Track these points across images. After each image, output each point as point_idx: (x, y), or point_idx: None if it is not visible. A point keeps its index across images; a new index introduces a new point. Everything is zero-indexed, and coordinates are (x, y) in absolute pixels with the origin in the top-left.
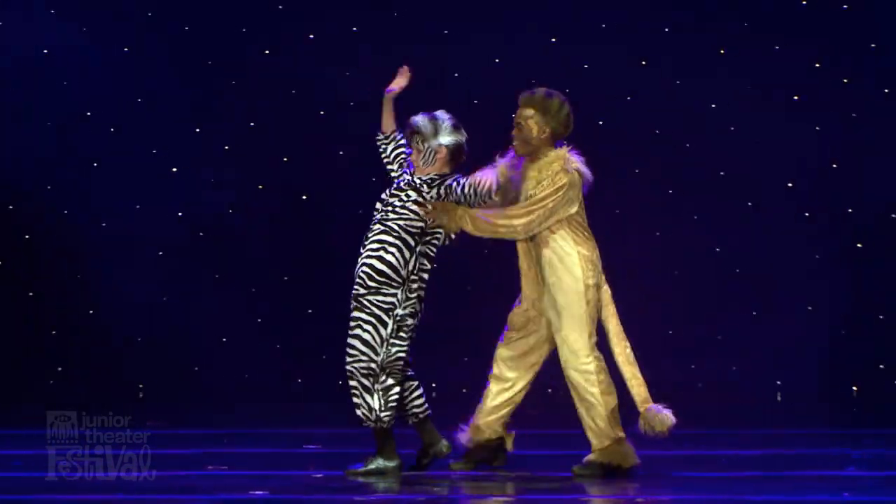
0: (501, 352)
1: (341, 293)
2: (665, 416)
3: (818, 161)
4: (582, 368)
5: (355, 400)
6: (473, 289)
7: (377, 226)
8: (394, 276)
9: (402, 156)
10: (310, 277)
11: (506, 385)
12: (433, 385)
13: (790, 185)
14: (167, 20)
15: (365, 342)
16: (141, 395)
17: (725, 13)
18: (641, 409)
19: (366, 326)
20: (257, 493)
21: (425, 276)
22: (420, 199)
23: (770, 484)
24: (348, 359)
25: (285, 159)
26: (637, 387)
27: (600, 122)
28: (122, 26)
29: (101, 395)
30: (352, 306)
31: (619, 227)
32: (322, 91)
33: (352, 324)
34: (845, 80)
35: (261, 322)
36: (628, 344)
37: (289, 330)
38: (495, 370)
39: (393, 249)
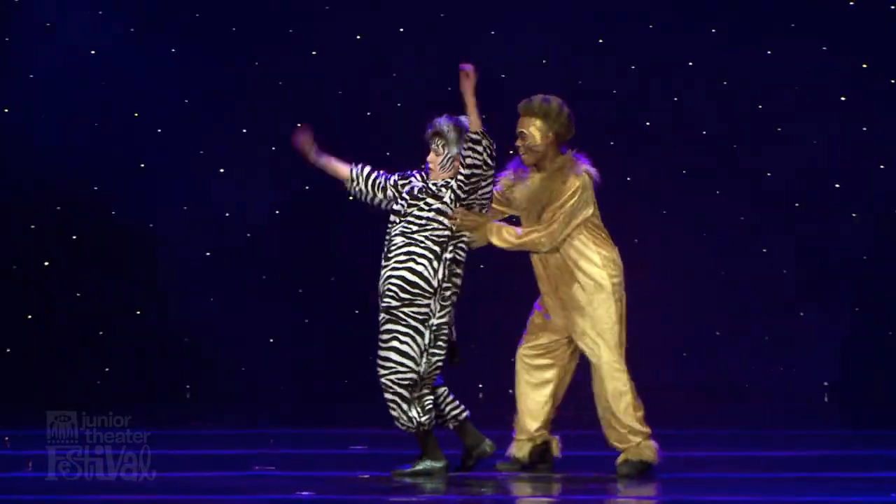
0: (523, 354)
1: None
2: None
3: (866, 162)
4: (612, 365)
5: (393, 412)
6: (519, 289)
7: (399, 238)
8: (425, 286)
9: (379, 180)
10: (356, 278)
11: (536, 386)
12: (480, 386)
13: (837, 185)
14: (214, 21)
15: (403, 353)
16: (188, 396)
17: (772, 14)
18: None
19: (403, 338)
20: (303, 493)
21: (458, 281)
22: (442, 207)
23: (815, 485)
24: (383, 371)
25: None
26: None
27: (647, 124)
28: (169, 27)
29: (148, 395)
30: (382, 318)
31: (666, 227)
32: (369, 93)
33: (385, 336)
34: (893, 81)
35: (307, 323)
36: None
37: (335, 330)
38: (523, 375)
39: (422, 260)
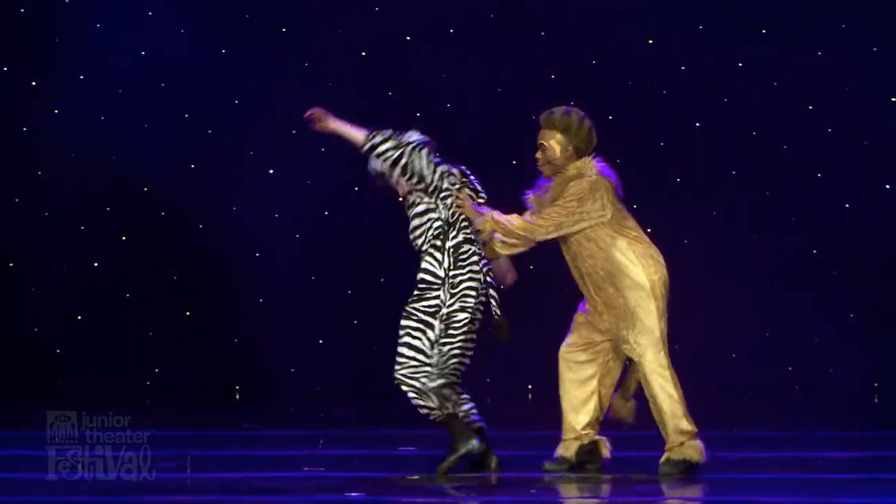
0: (565, 351)
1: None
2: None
3: None
4: (656, 364)
5: (416, 402)
6: (568, 288)
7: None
8: (432, 279)
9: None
10: (406, 279)
11: (579, 383)
12: (529, 386)
13: (888, 186)
14: (265, 21)
15: (412, 347)
16: (237, 397)
17: (822, 14)
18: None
19: (414, 333)
20: (353, 495)
21: (473, 264)
22: (423, 206)
23: (866, 486)
24: (396, 367)
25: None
26: None
27: (697, 124)
28: (220, 27)
29: (200, 396)
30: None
31: (717, 228)
32: (420, 91)
33: (400, 332)
34: None
35: (356, 324)
36: None
37: (383, 331)
38: (566, 372)
39: (428, 258)
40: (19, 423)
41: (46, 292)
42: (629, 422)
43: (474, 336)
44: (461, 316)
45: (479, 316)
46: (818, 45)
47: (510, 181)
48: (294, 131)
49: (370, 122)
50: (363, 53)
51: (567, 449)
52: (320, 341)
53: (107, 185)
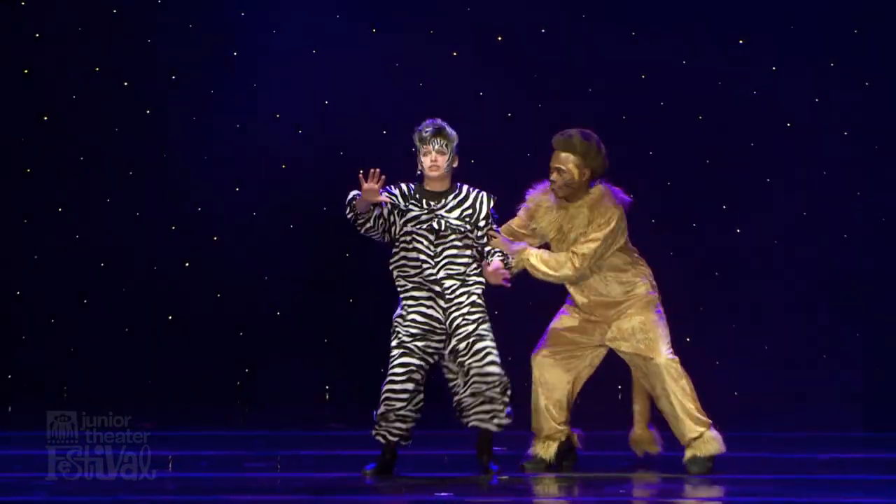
0: (543, 357)
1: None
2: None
3: None
4: (669, 360)
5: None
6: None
7: (448, 281)
8: (485, 307)
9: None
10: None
11: (555, 385)
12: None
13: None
14: (354, 21)
15: (500, 365)
16: (327, 397)
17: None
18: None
19: (495, 351)
20: (442, 494)
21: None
22: (471, 243)
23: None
24: (483, 385)
25: (472, 161)
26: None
27: (788, 125)
28: (314, 29)
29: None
30: (472, 340)
31: (804, 229)
32: (507, 91)
33: (482, 354)
34: None
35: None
36: None
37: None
38: (545, 373)
39: (480, 291)
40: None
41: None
42: (656, 451)
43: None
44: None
45: None
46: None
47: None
48: (385, 131)
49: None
50: (454, 54)
51: (546, 449)
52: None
53: (200, 185)
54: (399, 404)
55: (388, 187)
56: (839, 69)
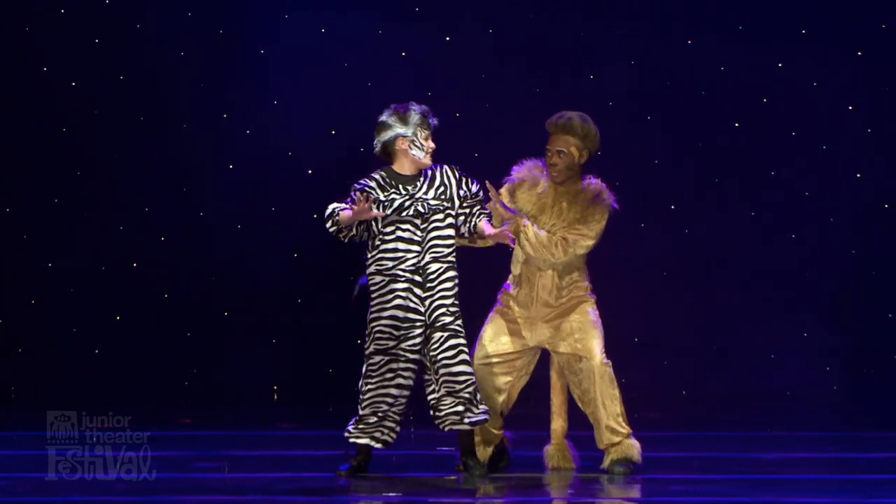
0: (482, 364)
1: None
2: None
3: None
4: (604, 364)
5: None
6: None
7: (434, 264)
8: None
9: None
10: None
11: (498, 389)
12: None
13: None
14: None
15: (470, 364)
16: (275, 397)
17: (862, 15)
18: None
19: (467, 349)
20: (391, 495)
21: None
22: (451, 221)
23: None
24: (455, 385)
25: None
26: None
27: (736, 125)
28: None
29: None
30: (442, 337)
31: (754, 229)
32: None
33: (455, 352)
34: None
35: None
36: None
37: None
38: (490, 381)
39: (456, 278)
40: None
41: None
42: (570, 468)
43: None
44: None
45: None
46: (860, 45)
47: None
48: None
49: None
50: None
51: (482, 452)
52: (358, 342)
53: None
54: (384, 407)
55: (362, 181)
56: (787, 69)
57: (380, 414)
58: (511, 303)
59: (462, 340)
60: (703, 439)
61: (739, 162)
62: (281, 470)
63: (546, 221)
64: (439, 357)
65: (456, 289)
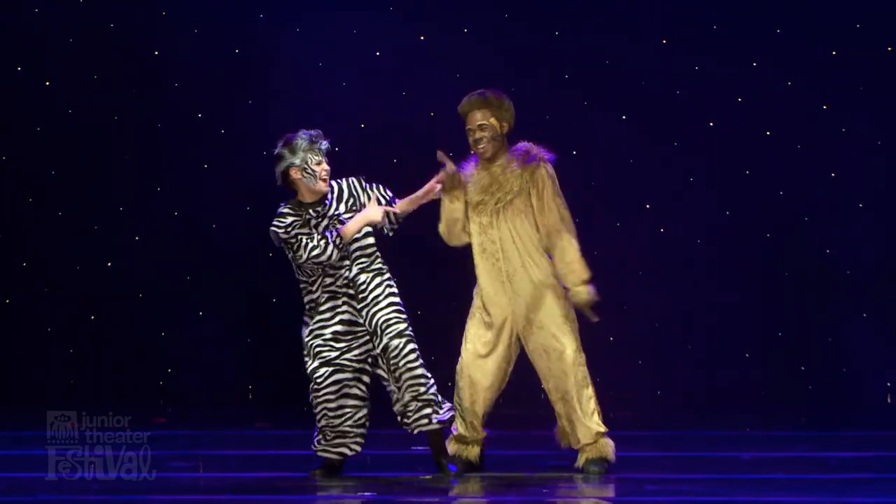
0: (469, 359)
1: (447, 296)
2: None
3: None
4: (578, 360)
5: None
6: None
7: (362, 275)
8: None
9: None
10: (419, 282)
11: (490, 390)
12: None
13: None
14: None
15: (423, 365)
16: (250, 397)
17: (836, 14)
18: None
19: (417, 351)
20: (365, 494)
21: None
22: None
23: (879, 486)
24: (416, 387)
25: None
26: None
27: (710, 124)
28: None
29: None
30: (400, 344)
31: (728, 229)
32: (426, 92)
33: (409, 356)
34: None
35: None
36: None
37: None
38: (483, 382)
39: (392, 283)
40: (19, 423)
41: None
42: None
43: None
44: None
45: None
46: (834, 44)
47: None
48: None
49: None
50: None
51: (471, 450)
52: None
53: (123, 184)
54: (338, 421)
55: (275, 221)
56: (762, 69)
57: (339, 429)
58: (484, 306)
59: (415, 344)
60: (678, 439)
61: (714, 161)
62: (256, 469)
63: (489, 201)
64: (400, 364)
65: (390, 294)
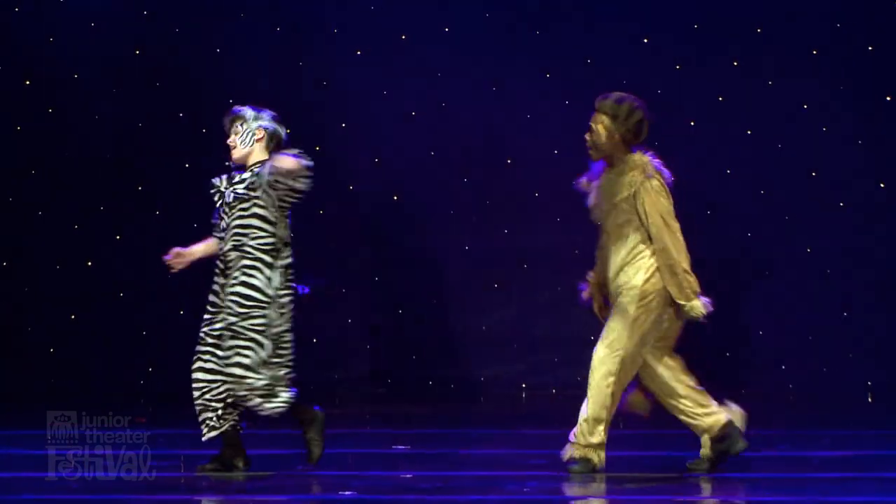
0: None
1: (430, 291)
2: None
3: None
4: (609, 374)
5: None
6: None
7: (232, 252)
8: (260, 297)
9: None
10: (397, 278)
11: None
12: (523, 385)
13: (882, 185)
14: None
15: (246, 367)
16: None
17: (817, 14)
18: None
19: (245, 352)
20: (346, 493)
21: (292, 282)
22: (260, 211)
23: (861, 485)
24: (232, 385)
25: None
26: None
27: (692, 123)
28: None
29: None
30: (226, 335)
31: (709, 226)
32: (413, 89)
33: (229, 353)
34: None
35: (350, 322)
36: None
37: (382, 330)
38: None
39: (253, 272)
40: (19, 423)
41: (46, 292)
42: (646, 413)
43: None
44: (289, 336)
45: None
46: (815, 44)
47: (505, 179)
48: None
49: None
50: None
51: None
52: (314, 340)
53: (106, 182)
54: (197, 393)
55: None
56: (742, 68)
57: (197, 403)
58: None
59: (240, 342)
60: (660, 437)
61: (695, 160)
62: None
63: (608, 208)
64: (221, 355)
65: (242, 283)
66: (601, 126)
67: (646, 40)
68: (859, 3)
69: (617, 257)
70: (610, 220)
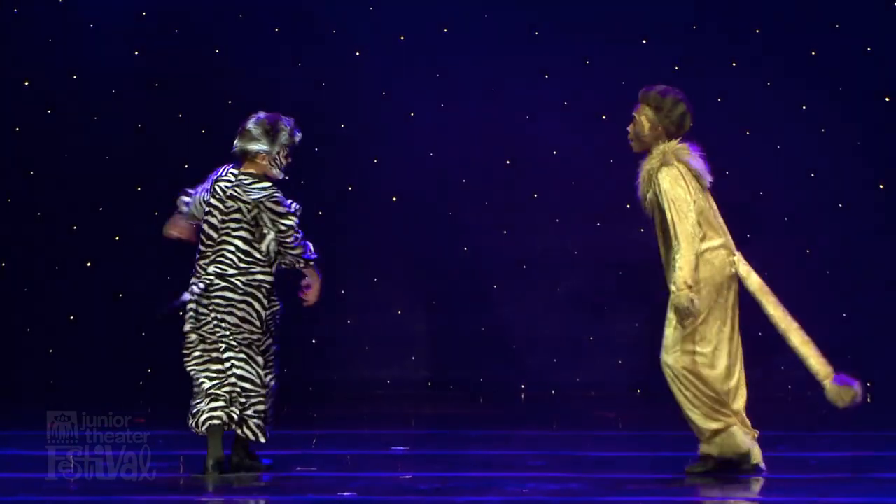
0: None
1: (430, 291)
2: (847, 389)
3: None
4: (667, 362)
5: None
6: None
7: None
8: (255, 318)
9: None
10: (396, 278)
11: None
12: (522, 386)
13: (881, 186)
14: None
15: (246, 379)
16: None
17: (815, 15)
18: (825, 383)
19: (248, 367)
20: (345, 494)
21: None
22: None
23: (860, 485)
24: (241, 400)
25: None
26: (816, 363)
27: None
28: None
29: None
30: (221, 348)
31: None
32: (413, 90)
33: (231, 367)
34: None
35: (349, 324)
36: (797, 324)
37: (377, 331)
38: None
39: (258, 294)
40: (19, 423)
41: (45, 292)
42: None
43: None
44: (273, 348)
45: None
46: (812, 45)
47: (504, 179)
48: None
49: None
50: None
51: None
52: (313, 341)
53: (102, 186)
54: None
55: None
56: (741, 69)
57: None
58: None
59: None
60: (657, 438)
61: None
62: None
63: (649, 197)
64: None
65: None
66: (644, 117)
67: (644, 41)
68: (858, 4)
69: (664, 254)
70: (651, 213)
